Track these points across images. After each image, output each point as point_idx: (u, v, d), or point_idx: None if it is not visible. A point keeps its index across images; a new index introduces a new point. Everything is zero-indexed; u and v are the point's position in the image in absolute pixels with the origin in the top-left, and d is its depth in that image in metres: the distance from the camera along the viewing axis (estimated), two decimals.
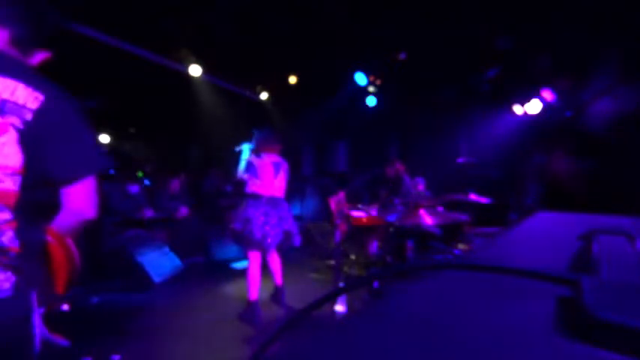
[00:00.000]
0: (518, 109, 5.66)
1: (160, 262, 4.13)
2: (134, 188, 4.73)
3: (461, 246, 3.06)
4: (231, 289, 3.93)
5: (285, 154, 3.36)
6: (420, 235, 2.85)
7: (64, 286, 0.96)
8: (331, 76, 6.43)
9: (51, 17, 1.00)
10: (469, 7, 4.34)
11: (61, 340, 1.01)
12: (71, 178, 0.96)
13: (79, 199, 0.98)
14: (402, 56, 5.70)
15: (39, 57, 1.02)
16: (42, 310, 0.94)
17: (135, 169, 5.12)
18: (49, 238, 0.94)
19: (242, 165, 3.18)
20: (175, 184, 5.29)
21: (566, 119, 5.15)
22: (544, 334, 0.23)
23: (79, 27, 4.10)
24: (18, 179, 0.87)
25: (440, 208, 3.07)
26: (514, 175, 5.52)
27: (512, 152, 5.73)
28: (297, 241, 3.28)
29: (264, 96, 7.01)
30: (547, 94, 5.26)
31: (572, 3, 4.03)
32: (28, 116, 0.88)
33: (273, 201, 3.12)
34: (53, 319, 1.00)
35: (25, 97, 0.88)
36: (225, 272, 4.60)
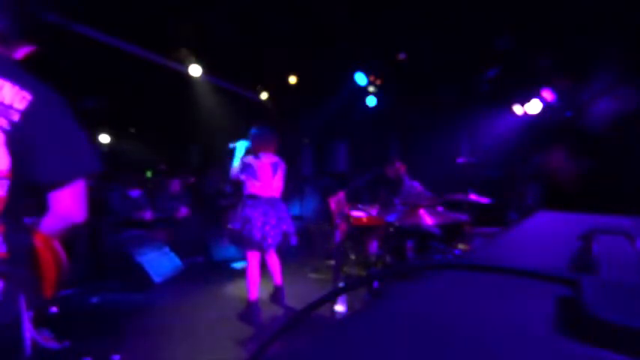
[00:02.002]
0: (518, 109, 5.66)
1: (160, 262, 4.13)
2: (135, 192, 4.73)
3: (461, 246, 3.06)
4: (231, 289, 3.93)
5: (284, 154, 3.35)
6: (420, 235, 2.85)
7: (52, 289, 0.94)
8: (331, 76, 6.43)
9: (34, 8, 0.95)
10: (469, 7, 4.34)
11: (52, 344, 0.99)
12: (60, 182, 0.92)
13: (68, 204, 0.93)
14: (402, 56, 5.70)
15: (23, 51, 0.97)
16: (31, 313, 0.92)
17: (138, 174, 5.12)
18: (37, 241, 0.91)
19: (236, 162, 3.17)
20: (175, 184, 5.29)
21: (566, 119, 5.15)
22: (544, 334, 0.23)
23: (79, 27, 4.10)
24: (5, 183, 0.83)
25: (440, 208, 3.07)
26: (514, 175, 5.52)
27: (512, 152, 5.73)
28: (293, 240, 3.28)
29: (264, 96, 7.01)
30: (547, 94, 5.26)
31: (572, 3, 4.03)
32: (15, 117, 0.83)
33: (271, 201, 3.11)
34: (53, 320, 1.00)
35: (12, 96, 0.84)
36: (225, 272, 4.60)
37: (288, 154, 3.44)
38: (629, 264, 0.34)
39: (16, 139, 0.84)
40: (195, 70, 5.55)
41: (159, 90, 6.13)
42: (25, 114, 0.85)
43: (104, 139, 8.05)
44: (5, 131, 0.82)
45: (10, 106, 0.83)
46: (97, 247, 3.97)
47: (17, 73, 0.87)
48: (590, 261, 0.36)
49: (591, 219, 0.71)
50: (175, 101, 6.56)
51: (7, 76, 0.85)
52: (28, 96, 0.86)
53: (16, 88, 0.85)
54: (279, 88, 6.71)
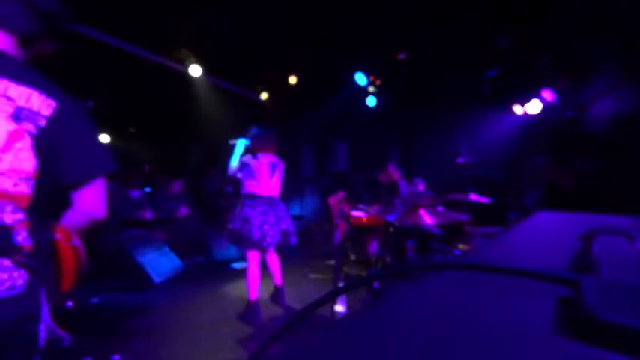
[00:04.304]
0: (518, 109, 5.66)
1: (159, 262, 4.13)
2: (135, 193, 4.73)
3: (461, 246, 3.06)
4: (231, 289, 3.93)
5: (284, 154, 3.34)
6: (420, 235, 2.85)
7: (71, 284, 0.99)
8: (331, 76, 6.44)
9: (54, 9, 1.00)
10: (469, 7, 4.34)
11: (66, 335, 1.05)
12: (83, 181, 1.01)
13: (91, 201, 1.03)
14: (402, 56, 5.71)
15: (40, 51, 1.03)
16: (48, 306, 0.97)
17: (136, 175, 5.12)
18: (58, 235, 0.97)
19: (235, 160, 3.17)
20: (177, 186, 5.29)
21: (566, 119, 5.15)
22: (544, 334, 0.23)
23: (79, 27, 4.10)
24: (32, 183, 0.91)
25: (440, 208, 3.07)
26: (514, 175, 5.52)
27: (512, 152, 5.73)
28: (293, 240, 3.28)
29: (264, 96, 7.01)
30: (547, 94, 5.26)
31: (572, 3, 4.03)
32: (42, 123, 0.91)
33: (269, 201, 3.11)
34: (59, 317, 1.02)
35: (39, 104, 0.91)
36: (225, 272, 4.60)
37: (288, 154, 3.44)
38: (629, 264, 0.34)
39: (43, 143, 0.91)
40: (195, 70, 5.54)
41: (159, 90, 6.12)
42: (51, 120, 0.92)
43: (104, 139, 8.05)
44: (33, 136, 0.90)
45: (38, 113, 0.91)
46: (97, 247, 3.98)
47: (43, 82, 0.94)
48: (590, 261, 0.36)
49: (591, 219, 0.71)
50: (175, 101, 6.56)
51: (35, 85, 0.91)
52: (53, 103, 0.93)
53: (43, 96, 0.92)
54: (279, 88, 6.71)
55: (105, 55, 4.59)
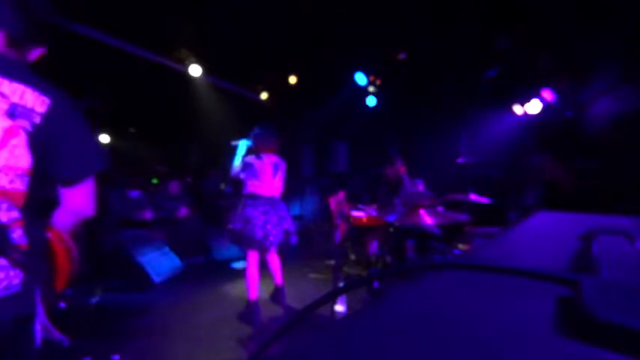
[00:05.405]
0: (518, 109, 5.66)
1: (159, 262, 4.13)
2: (135, 193, 4.73)
3: (461, 246, 3.06)
4: (231, 289, 3.93)
5: (284, 154, 3.35)
6: (420, 235, 2.85)
7: (64, 284, 0.99)
8: (331, 76, 6.43)
9: (42, 9, 1.00)
10: (469, 7, 4.34)
11: (62, 337, 1.05)
12: (75, 178, 1.00)
13: (81, 198, 1.02)
14: (402, 56, 5.70)
15: (35, 53, 1.03)
16: (43, 306, 0.97)
17: (138, 175, 5.13)
18: (50, 235, 0.97)
19: (237, 161, 3.17)
20: (174, 186, 5.29)
21: (566, 119, 5.14)
22: (544, 334, 0.23)
23: (79, 27, 4.09)
24: (26, 180, 0.91)
25: (440, 208, 3.07)
26: (514, 175, 5.51)
27: (512, 152, 5.73)
28: (293, 239, 3.28)
29: (264, 96, 7.01)
30: (547, 94, 5.26)
31: (572, 2, 4.03)
32: (37, 119, 0.91)
33: (271, 201, 3.12)
34: (53, 319, 1.02)
35: (33, 101, 0.91)
36: (225, 272, 4.60)
37: (288, 154, 3.44)
38: (629, 264, 0.34)
39: (37, 140, 0.92)
40: (195, 70, 5.54)
41: (159, 90, 6.12)
42: (45, 117, 0.93)
43: (104, 139, 8.05)
44: (28, 132, 0.90)
45: (32, 110, 0.91)
46: (97, 247, 3.98)
47: (36, 79, 0.94)
48: (590, 261, 0.36)
49: (591, 219, 0.71)
50: (175, 101, 6.56)
51: (28, 82, 0.92)
52: (47, 100, 0.93)
53: (37, 93, 0.92)
54: (279, 88, 6.71)
55: (105, 55, 4.59)
